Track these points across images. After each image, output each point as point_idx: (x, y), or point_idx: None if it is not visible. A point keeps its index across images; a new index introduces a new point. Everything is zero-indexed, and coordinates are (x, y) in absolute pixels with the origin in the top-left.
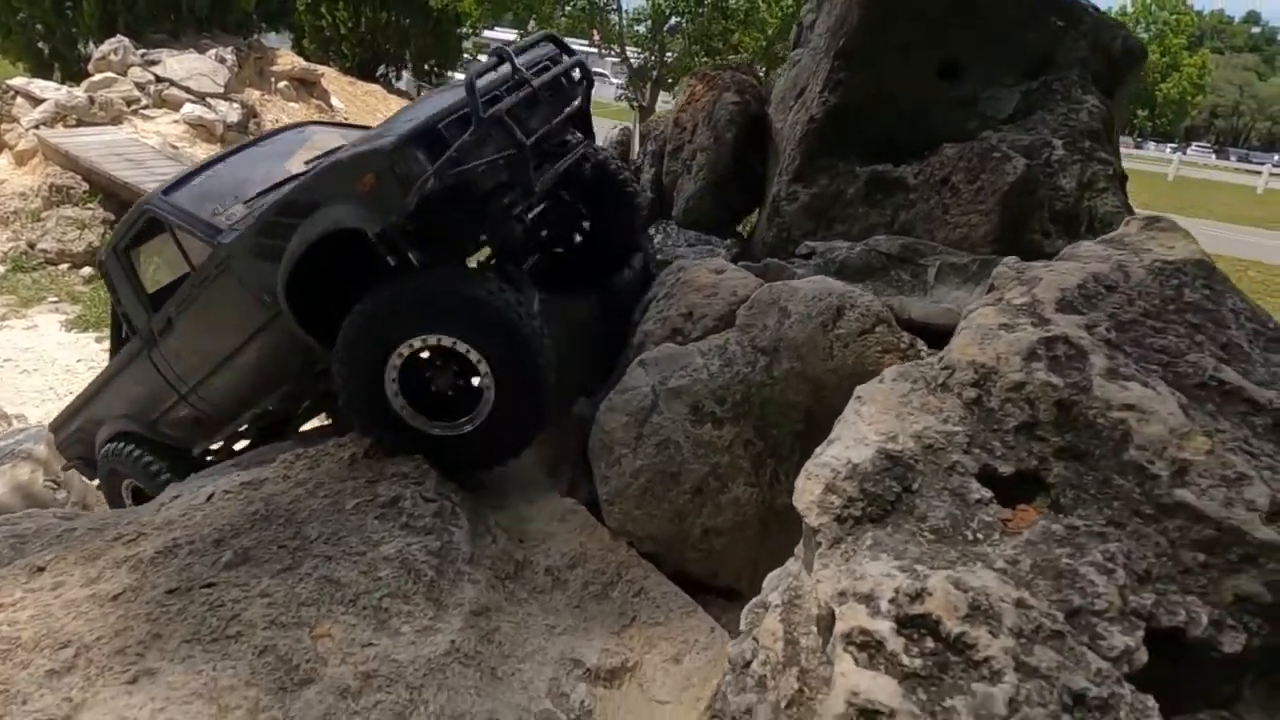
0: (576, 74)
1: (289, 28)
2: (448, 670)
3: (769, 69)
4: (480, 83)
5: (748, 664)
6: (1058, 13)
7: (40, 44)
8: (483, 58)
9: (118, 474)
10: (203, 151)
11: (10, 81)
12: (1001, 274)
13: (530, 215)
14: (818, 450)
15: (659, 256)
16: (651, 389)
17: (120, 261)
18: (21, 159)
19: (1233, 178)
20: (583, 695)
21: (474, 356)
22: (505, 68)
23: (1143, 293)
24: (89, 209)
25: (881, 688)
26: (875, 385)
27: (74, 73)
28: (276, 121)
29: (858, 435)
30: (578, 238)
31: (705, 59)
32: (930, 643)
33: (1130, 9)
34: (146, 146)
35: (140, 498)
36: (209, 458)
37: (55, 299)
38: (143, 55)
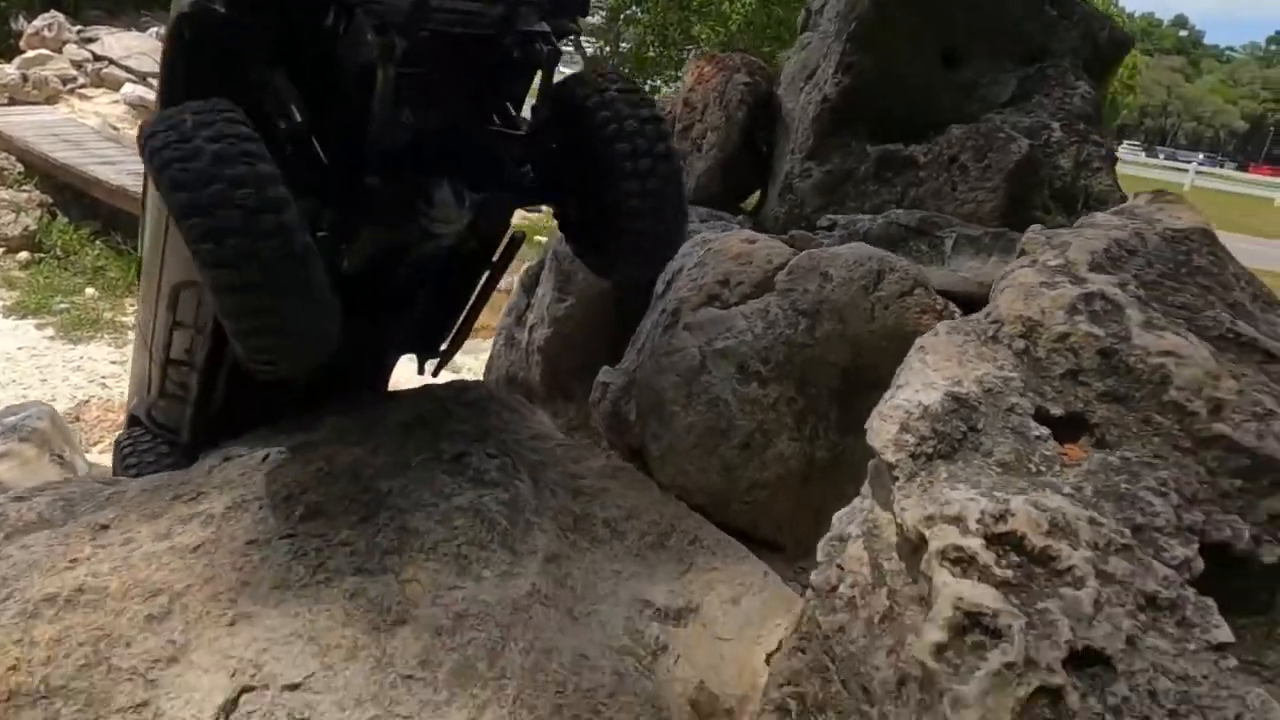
0: None
1: None
2: (531, 610)
3: None
4: None
5: (834, 589)
6: (1051, 4)
7: None
8: None
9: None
10: None
11: None
12: (1031, 239)
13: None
14: (887, 395)
15: None
16: (699, 350)
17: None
18: None
19: (1160, 174)
20: (656, 632)
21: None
22: None
23: (1159, 257)
24: (24, 191)
25: (982, 594)
26: (933, 337)
27: (4, 51)
28: None
29: (925, 380)
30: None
31: (661, 50)
32: (1016, 556)
33: None
34: (85, 127)
35: None
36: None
37: None
38: (79, 32)
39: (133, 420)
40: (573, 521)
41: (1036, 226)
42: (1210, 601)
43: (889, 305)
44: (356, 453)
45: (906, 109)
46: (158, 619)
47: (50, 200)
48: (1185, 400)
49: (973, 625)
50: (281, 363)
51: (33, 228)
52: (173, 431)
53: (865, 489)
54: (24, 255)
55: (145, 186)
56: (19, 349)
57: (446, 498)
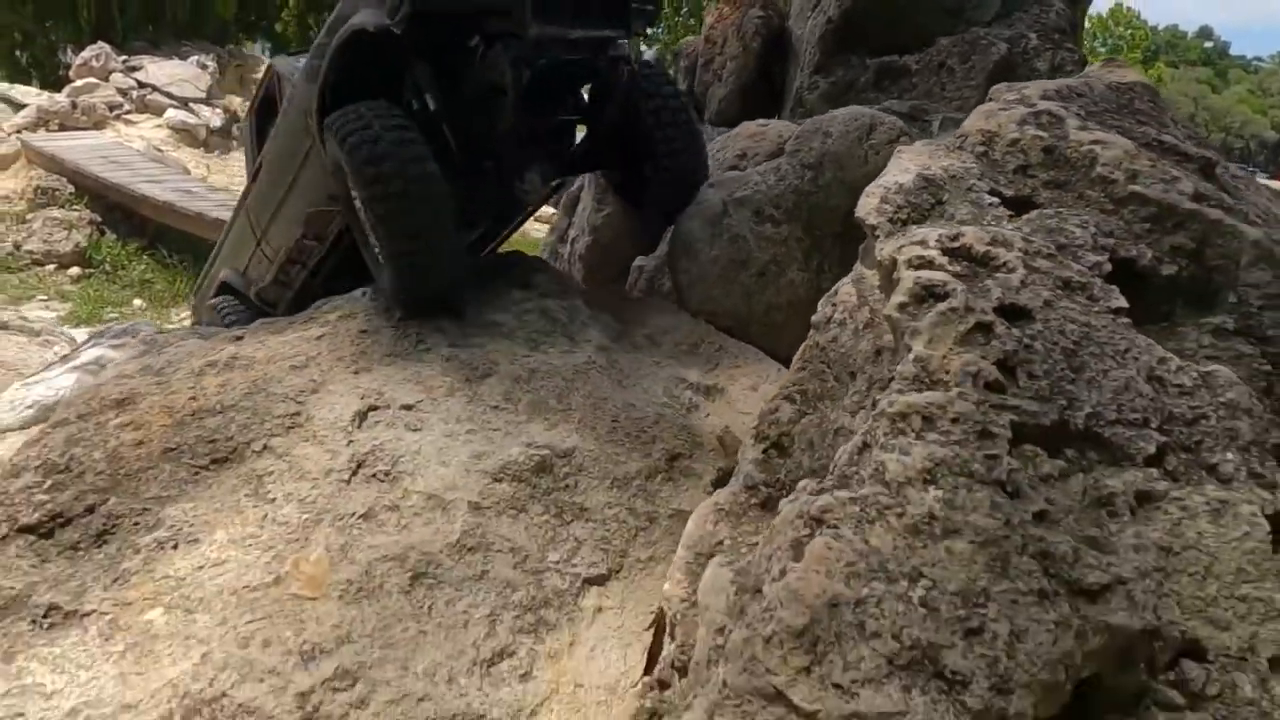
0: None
1: (267, 38)
2: (589, 374)
3: None
4: None
5: (829, 318)
6: None
7: (18, 52)
8: None
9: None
10: (187, 155)
11: None
12: (997, 89)
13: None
14: (873, 182)
15: None
16: (722, 200)
17: (250, 122)
18: (4, 163)
19: None
20: (689, 397)
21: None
22: None
23: (1103, 98)
24: (75, 210)
25: (935, 275)
26: (909, 146)
27: (51, 81)
28: None
29: (901, 168)
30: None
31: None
32: (964, 260)
33: (1087, 25)
34: (131, 149)
35: None
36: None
37: (45, 297)
38: (124, 62)
39: (226, 289)
40: (616, 334)
41: (1003, 83)
42: (1114, 287)
43: (879, 150)
44: None
45: (901, 29)
46: (298, 369)
47: (99, 218)
48: (1108, 173)
49: (927, 293)
50: (417, 268)
51: (83, 244)
52: (270, 305)
53: (858, 259)
54: (75, 270)
55: (252, 145)
56: None
57: (519, 303)
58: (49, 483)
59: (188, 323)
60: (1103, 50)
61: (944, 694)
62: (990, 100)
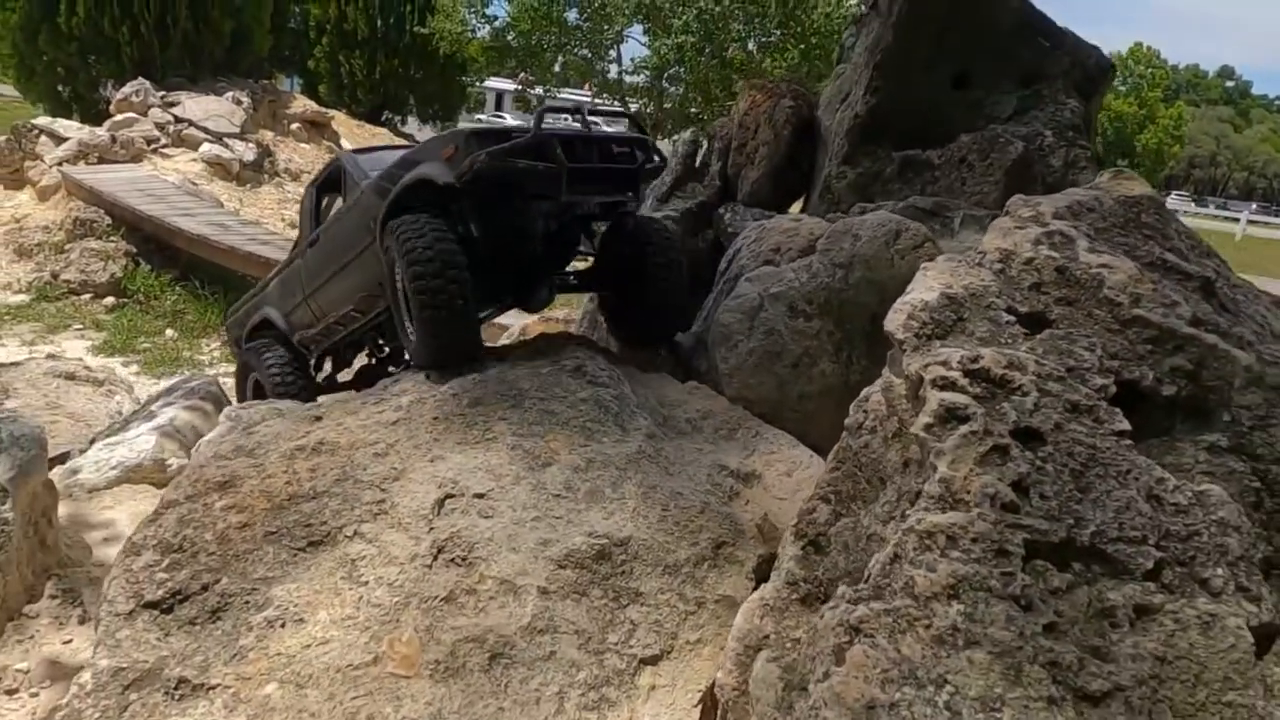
0: (640, 155)
1: (300, 74)
2: (640, 463)
3: None
4: (553, 121)
5: (860, 424)
6: (1044, 35)
7: (60, 87)
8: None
9: (247, 367)
10: (220, 189)
11: (35, 121)
12: (1013, 202)
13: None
14: (900, 298)
15: (729, 230)
16: (758, 294)
17: (310, 195)
18: (44, 194)
19: (1210, 224)
20: (731, 484)
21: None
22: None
23: (1111, 213)
24: (112, 241)
25: (958, 398)
26: (932, 262)
27: (92, 114)
28: (290, 161)
29: (926, 286)
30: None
31: (704, 106)
32: (983, 381)
33: None
34: (166, 183)
35: (259, 392)
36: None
37: (80, 326)
38: (162, 97)
39: (267, 324)
40: (661, 419)
41: (1019, 196)
42: (1118, 410)
43: (905, 255)
44: (497, 368)
45: (924, 124)
46: (380, 456)
47: (134, 250)
48: (1114, 296)
49: (950, 415)
50: (444, 344)
51: (118, 275)
52: (306, 348)
53: (885, 369)
54: (110, 300)
55: (309, 215)
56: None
57: (572, 392)
58: (166, 561)
59: (217, 353)
60: (1122, 89)
61: None
62: (1007, 214)
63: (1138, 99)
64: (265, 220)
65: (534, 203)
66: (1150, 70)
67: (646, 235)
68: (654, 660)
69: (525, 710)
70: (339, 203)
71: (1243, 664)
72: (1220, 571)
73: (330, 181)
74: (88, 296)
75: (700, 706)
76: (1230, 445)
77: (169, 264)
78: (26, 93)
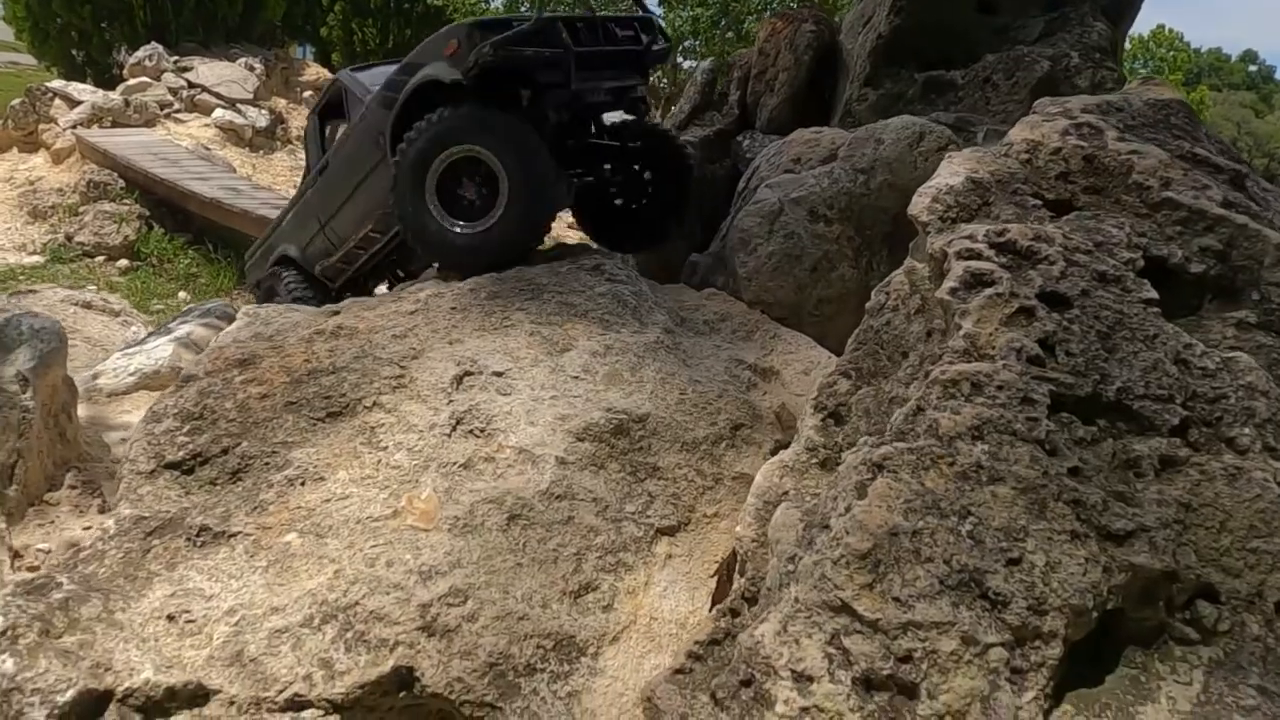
0: (645, 37)
1: (313, 41)
2: (658, 352)
3: None
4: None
5: (883, 304)
6: None
7: (74, 51)
8: None
9: (273, 292)
10: (233, 154)
11: (49, 84)
12: (1040, 102)
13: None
14: (924, 184)
15: (747, 156)
16: (778, 200)
17: (313, 122)
18: (58, 157)
19: None
20: (748, 376)
21: (495, 165)
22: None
23: (1140, 114)
24: (125, 204)
25: (983, 265)
26: (958, 151)
27: (105, 79)
28: (302, 128)
29: (951, 171)
30: (642, 201)
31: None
32: (1009, 253)
33: (1128, 46)
34: (180, 147)
35: None
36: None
37: (94, 288)
38: (175, 62)
39: (286, 260)
40: (678, 321)
41: (1046, 97)
42: (1145, 280)
43: (929, 157)
44: (516, 267)
45: (948, 47)
46: (399, 338)
47: (148, 213)
48: (1144, 180)
49: (975, 280)
50: (540, 209)
51: (132, 238)
52: (329, 280)
53: (909, 255)
54: (124, 262)
55: (315, 142)
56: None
57: (590, 287)
58: (187, 427)
59: None
60: (1143, 71)
61: (987, 611)
62: (1034, 112)
63: None
64: (278, 186)
65: (546, 93)
66: (1172, 53)
67: (662, 132)
68: (671, 531)
69: (543, 568)
70: (343, 129)
71: (1268, 513)
72: (1247, 431)
73: (332, 105)
74: (101, 259)
75: (716, 577)
76: (1259, 321)
77: (182, 227)
78: (40, 56)
